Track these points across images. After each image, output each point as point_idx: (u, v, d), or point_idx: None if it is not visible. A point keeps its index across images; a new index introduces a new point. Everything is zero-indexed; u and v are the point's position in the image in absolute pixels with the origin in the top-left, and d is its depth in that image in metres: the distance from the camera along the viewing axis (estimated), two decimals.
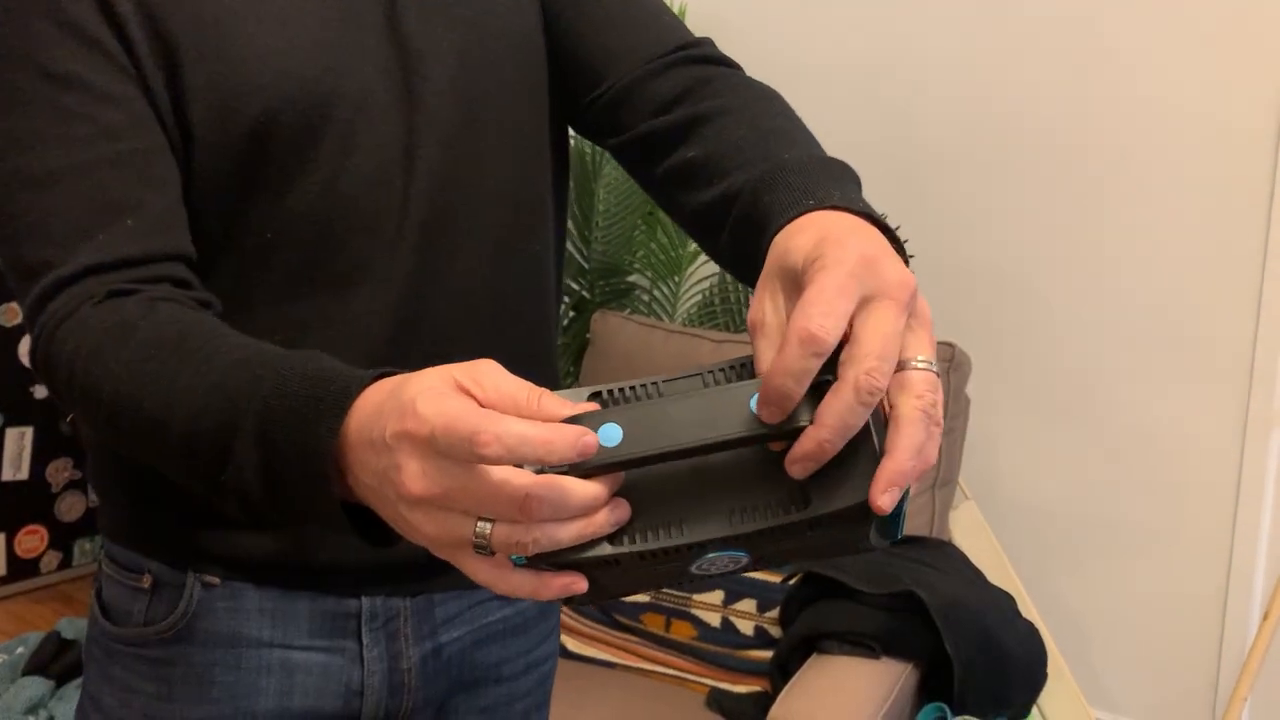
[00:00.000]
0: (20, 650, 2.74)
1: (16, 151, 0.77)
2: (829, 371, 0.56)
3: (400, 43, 0.85)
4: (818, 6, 2.71)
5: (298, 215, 0.82)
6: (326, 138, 0.82)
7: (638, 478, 0.58)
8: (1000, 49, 2.50)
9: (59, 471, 3.22)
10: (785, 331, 0.56)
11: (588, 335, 2.60)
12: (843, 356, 0.55)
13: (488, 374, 0.57)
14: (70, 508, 3.26)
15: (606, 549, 0.57)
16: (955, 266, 2.60)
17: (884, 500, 0.54)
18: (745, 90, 0.86)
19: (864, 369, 0.54)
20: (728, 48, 0.93)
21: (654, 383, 0.59)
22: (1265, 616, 2.20)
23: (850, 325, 0.56)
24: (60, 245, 0.75)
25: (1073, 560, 2.53)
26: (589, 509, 0.56)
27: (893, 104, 2.64)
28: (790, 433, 0.56)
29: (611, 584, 0.60)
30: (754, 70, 0.94)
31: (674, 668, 2.18)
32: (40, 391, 3.13)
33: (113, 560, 0.93)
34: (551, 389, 0.59)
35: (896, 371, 0.57)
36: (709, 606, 2.17)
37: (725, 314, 2.68)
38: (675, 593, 2.18)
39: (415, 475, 0.56)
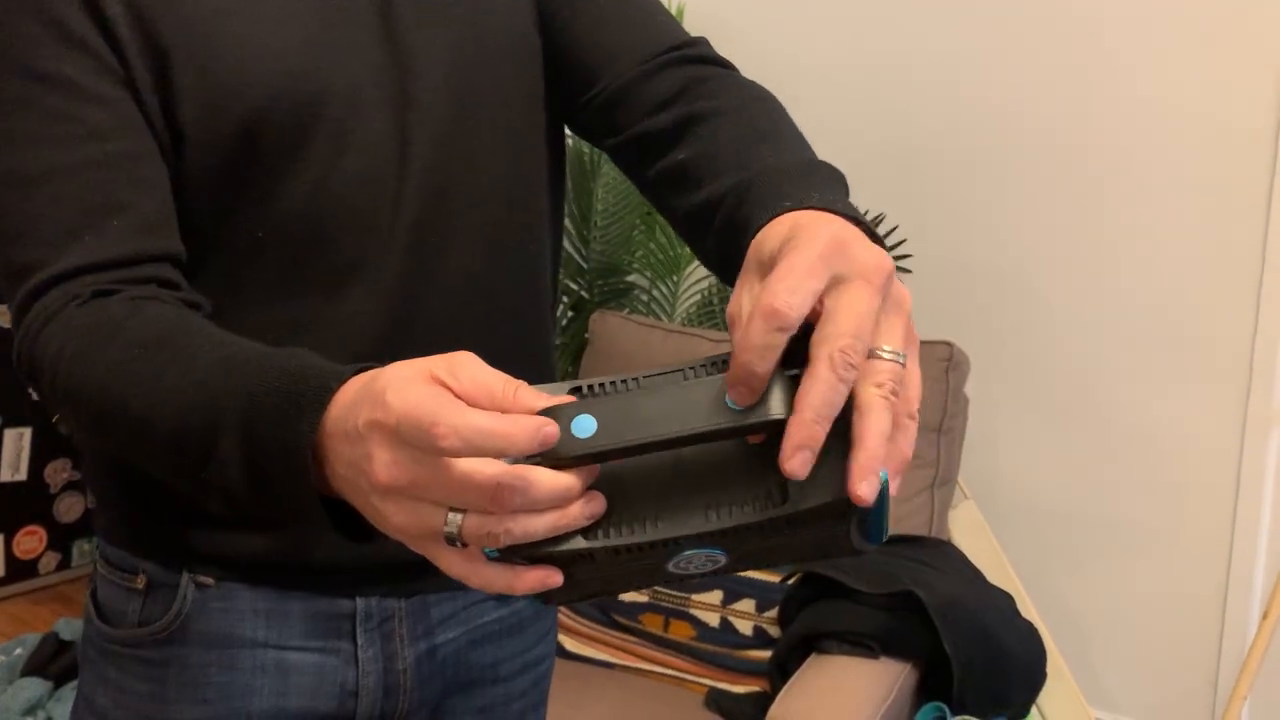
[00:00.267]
0: (18, 651, 2.74)
1: (3, 153, 0.77)
2: (799, 361, 0.55)
3: (394, 41, 0.85)
4: (817, 6, 2.71)
5: (289, 214, 0.82)
6: (317, 136, 0.82)
7: (615, 472, 0.58)
8: (1000, 49, 2.50)
9: (58, 472, 3.22)
10: None
11: (586, 335, 2.60)
12: (815, 337, 0.55)
13: (464, 365, 0.57)
14: (69, 509, 3.26)
15: (580, 543, 0.56)
16: (954, 265, 2.59)
17: (863, 489, 0.53)
18: (738, 91, 0.85)
19: (838, 346, 0.53)
20: (727, 48, 0.92)
21: (634, 378, 0.58)
22: (1265, 616, 2.19)
23: (822, 305, 0.55)
24: (47, 246, 0.76)
25: (1072, 559, 2.53)
26: (561, 500, 0.55)
27: (892, 104, 2.64)
28: (766, 425, 0.55)
29: (587, 581, 0.59)
30: (753, 70, 0.93)
31: (672, 668, 2.18)
32: None
33: (107, 561, 0.93)
34: None
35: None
36: (708, 606, 2.17)
37: (724, 314, 2.68)
38: (673, 592, 2.18)
39: (384, 464, 0.56)
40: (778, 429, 0.55)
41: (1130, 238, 2.40)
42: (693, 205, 0.79)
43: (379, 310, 0.86)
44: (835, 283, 0.56)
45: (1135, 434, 2.43)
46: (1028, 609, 2.18)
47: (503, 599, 1.00)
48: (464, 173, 0.88)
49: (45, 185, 0.76)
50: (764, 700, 1.94)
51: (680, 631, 2.18)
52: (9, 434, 3.11)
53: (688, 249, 2.77)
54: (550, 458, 0.55)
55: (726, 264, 0.74)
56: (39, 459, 3.17)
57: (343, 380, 0.62)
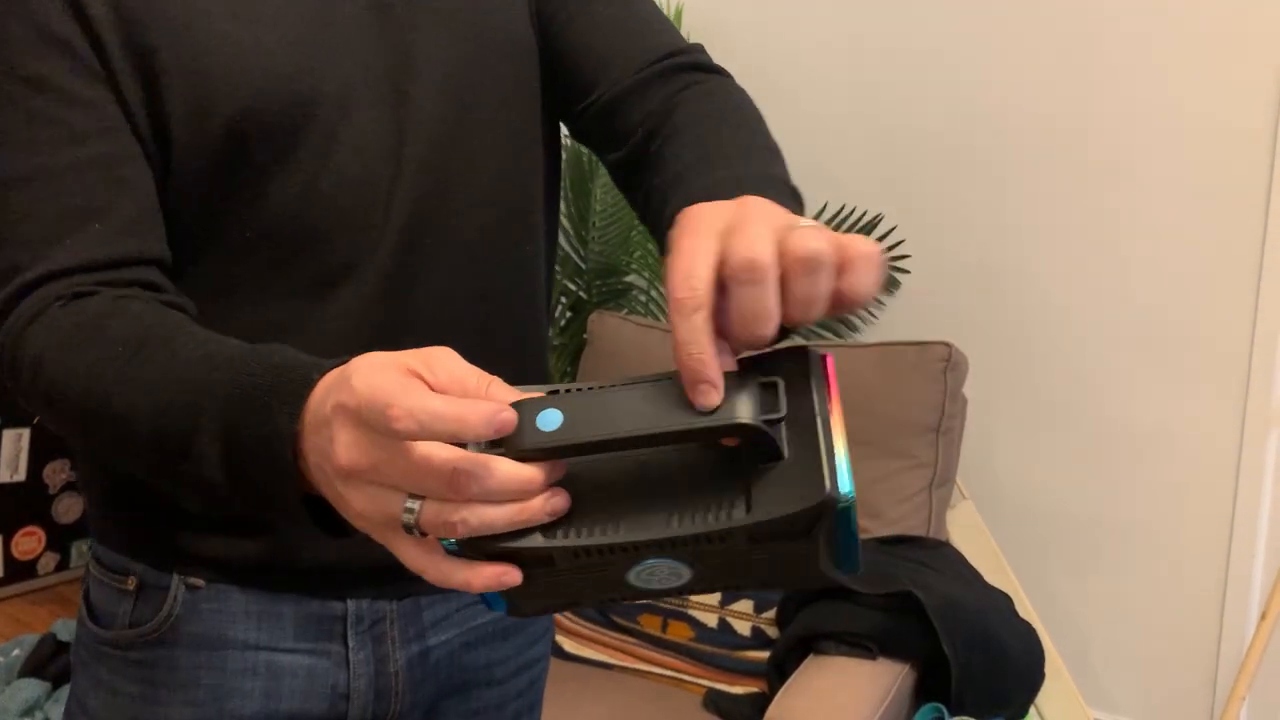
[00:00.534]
0: (16, 652, 2.74)
1: None
2: (775, 370, 0.56)
3: (391, 41, 0.85)
4: (816, 6, 2.70)
5: (280, 214, 0.82)
6: (309, 137, 0.81)
7: (581, 474, 0.57)
8: (999, 49, 2.49)
9: (56, 473, 3.22)
10: None
11: (585, 336, 2.60)
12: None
13: (441, 359, 0.57)
14: (67, 509, 3.25)
15: (539, 540, 0.56)
16: (952, 265, 2.59)
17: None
18: (710, 102, 0.86)
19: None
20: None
21: (613, 384, 0.58)
22: (1263, 616, 2.19)
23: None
24: (27, 249, 0.76)
25: (1070, 560, 2.52)
26: (522, 493, 0.55)
27: (891, 104, 2.64)
28: (730, 429, 0.55)
29: (548, 586, 0.59)
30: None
31: (671, 668, 2.18)
32: None
33: (99, 562, 0.92)
34: None
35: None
36: (706, 607, 2.17)
37: None
38: None
39: (344, 446, 0.56)
40: (746, 435, 0.55)
41: (1129, 238, 2.40)
42: (661, 228, 0.79)
43: (370, 311, 0.85)
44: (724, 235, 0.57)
45: (1133, 434, 2.42)
46: (1026, 609, 2.18)
47: None
48: (460, 174, 0.88)
49: (26, 188, 0.76)
50: (762, 701, 1.94)
51: (678, 632, 2.17)
52: (8, 434, 3.11)
53: None
54: (513, 449, 0.55)
55: None
56: (38, 459, 3.17)
57: (323, 373, 0.62)
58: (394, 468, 0.55)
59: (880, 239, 2.62)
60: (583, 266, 2.83)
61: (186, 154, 0.80)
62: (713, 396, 0.55)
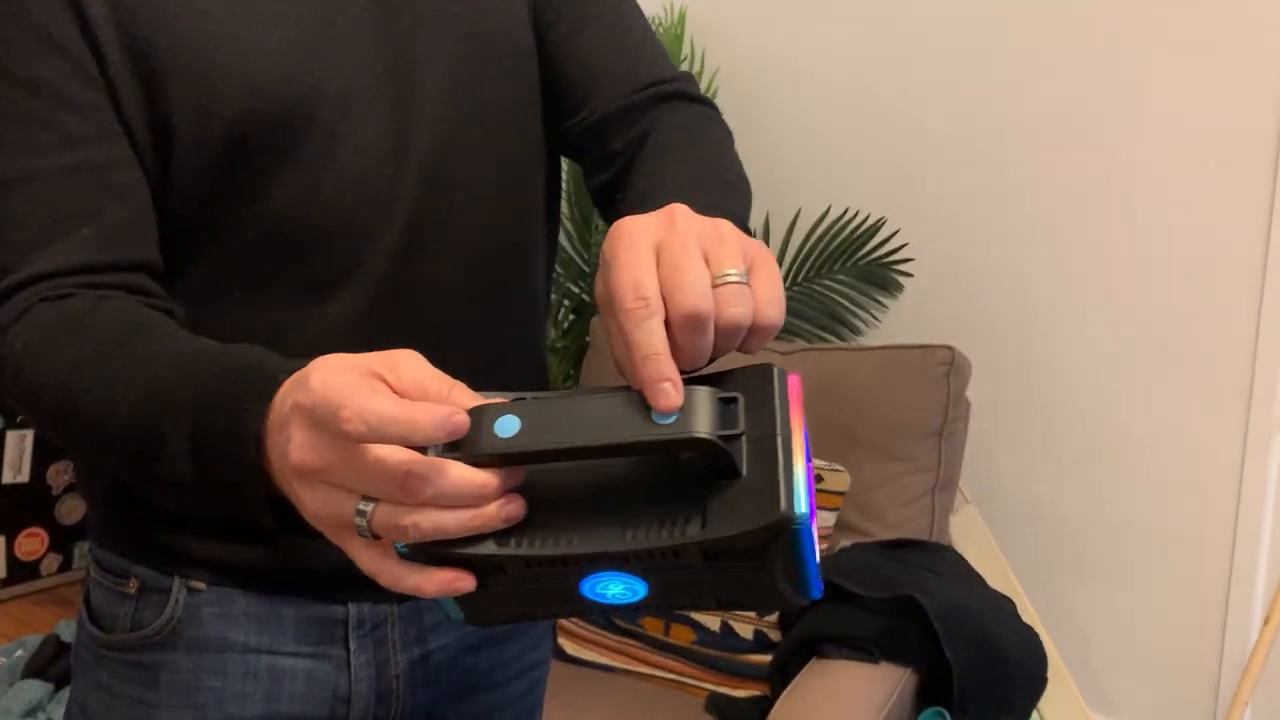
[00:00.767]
0: (19, 653, 2.74)
1: None
2: (737, 386, 0.56)
3: (392, 43, 0.85)
4: (818, 10, 2.70)
5: (279, 215, 0.82)
6: (309, 138, 0.81)
7: (541, 482, 0.57)
8: (1001, 53, 2.49)
9: (59, 474, 3.22)
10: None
11: (587, 339, 2.60)
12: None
13: (405, 361, 0.56)
14: (71, 510, 3.26)
15: (491, 547, 0.55)
16: (956, 270, 2.59)
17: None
18: (681, 133, 0.87)
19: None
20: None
21: (577, 394, 0.57)
22: (1266, 621, 2.19)
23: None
24: (15, 252, 0.76)
25: (1073, 564, 2.52)
26: (474, 496, 0.54)
27: (892, 106, 2.64)
28: (688, 442, 0.54)
29: (503, 596, 0.58)
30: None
31: (673, 672, 2.18)
32: None
33: (99, 565, 0.92)
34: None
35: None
36: (708, 610, 2.16)
37: None
38: None
39: (298, 446, 0.56)
40: (703, 449, 0.54)
41: (1133, 243, 2.39)
42: None
43: (371, 311, 0.85)
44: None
45: (1137, 439, 2.42)
46: (1028, 613, 2.17)
47: None
48: (462, 175, 0.88)
49: (17, 191, 0.76)
50: (764, 704, 1.94)
51: (681, 635, 2.17)
52: (11, 436, 3.11)
53: None
54: (469, 454, 0.54)
55: None
56: (41, 461, 3.18)
57: (290, 374, 0.61)
58: (347, 469, 0.55)
59: (884, 242, 2.62)
60: (585, 269, 2.83)
61: (187, 155, 0.80)
62: (674, 396, 0.54)
